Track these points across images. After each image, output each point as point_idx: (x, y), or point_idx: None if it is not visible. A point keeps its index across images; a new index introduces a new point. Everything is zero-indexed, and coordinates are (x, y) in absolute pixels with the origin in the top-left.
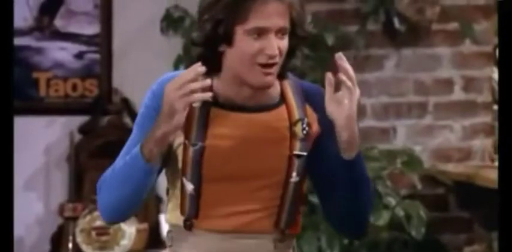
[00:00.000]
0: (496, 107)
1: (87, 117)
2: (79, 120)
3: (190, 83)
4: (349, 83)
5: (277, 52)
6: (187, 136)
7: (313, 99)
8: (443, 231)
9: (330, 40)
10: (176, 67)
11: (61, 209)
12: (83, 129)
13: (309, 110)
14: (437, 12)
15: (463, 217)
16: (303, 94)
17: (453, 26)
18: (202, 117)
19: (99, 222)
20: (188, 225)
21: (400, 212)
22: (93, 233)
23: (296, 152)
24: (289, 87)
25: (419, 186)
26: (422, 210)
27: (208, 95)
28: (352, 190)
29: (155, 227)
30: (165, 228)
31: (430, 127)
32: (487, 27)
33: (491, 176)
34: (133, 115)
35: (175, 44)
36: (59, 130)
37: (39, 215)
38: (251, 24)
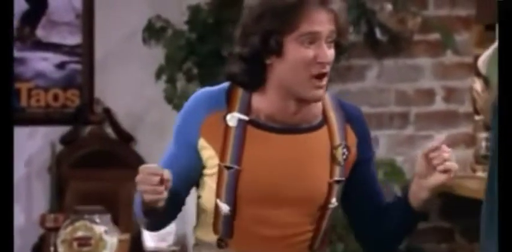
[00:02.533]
0: (477, 118)
1: (69, 128)
2: (60, 130)
3: (149, 179)
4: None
5: (330, 59)
6: (222, 158)
7: (355, 121)
8: (425, 241)
9: None
10: (158, 77)
11: (42, 220)
12: (64, 140)
13: (350, 131)
14: (418, 23)
15: (444, 227)
16: (344, 114)
17: (434, 36)
18: (238, 138)
19: (80, 233)
20: (222, 245)
21: None
22: (75, 244)
23: (336, 178)
24: (329, 104)
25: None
26: None
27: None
28: (393, 224)
29: (137, 238)
30: (147, 238)
31: (412, 137)
32: (468, 38)
33: (472, 186)
34: (115, 125)
35: (157, 54)
36: (41, 140)
37: (21, 225)
38: (304, 30)
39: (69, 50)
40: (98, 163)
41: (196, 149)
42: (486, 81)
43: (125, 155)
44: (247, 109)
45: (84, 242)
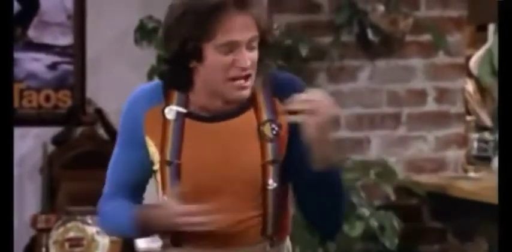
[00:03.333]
0: (468, 118)
1: (61, 128)
2: (52, 131)
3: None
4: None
5: (249, 64)
6: (162, 153)
7: (284, 94)
8: (417, 242)
9: (304, 51)
10: (150, 78)
11: (34, 221)
12: (56, 140)
13: (278, 104)
14: (410, 24)
15: (436, 228)
16: (273, 89)
17: (426, 37)
18: (177, 131)
19: (72, 234)
20: (176, 242)
21: (374, 223)
22: (67, 245)
23: (269, 158)
24: (259, 86)
25: (393, 197)
26: (396, 221)
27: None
28: (328, 195)
29: (129, 238)
30: (139, 239)
31: (404, 138)
32: (459, 39)
33: (464, 186)
34: (107, 126)
35: (149, 55)
36: (32, 141)
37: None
38: (221, 40)
39: (60, 51)
40: (90, 164)
41: (144, 145)
42: (478, 82)
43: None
44: (185, 102)
45: (76, 242)
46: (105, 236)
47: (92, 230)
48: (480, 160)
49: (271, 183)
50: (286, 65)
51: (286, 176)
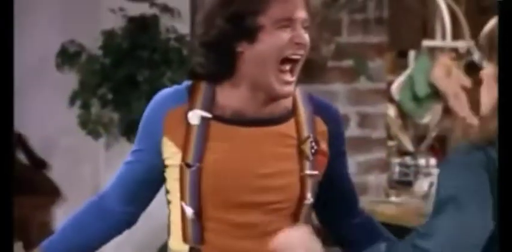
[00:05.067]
0: (390, 143)
1: None
2: None
3: None
4: None
5: (306, 40)
6: (184, 156)
7: (326, 113)
8: None
9: None
10: (72, 103)
11: None
12: None
13: (320, 123)
14: (332, 50)
15: None
16: (313, 106)
17: (348, 63)
18: (201, 135)
19: None
20: None
21: None
22: None
23: (308, 172)
24: (299, 97)
25: (316, 221)
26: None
27: None
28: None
29: None
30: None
31: None
32: (380, 65)
33: (386, 211)
34: (27, 151)
35: (71, 79)
36: None
37: None
38: (279, 14)
39: None
40: None
41: (159, 147)
42: (399, 107)
43: (39, 182)
44: (210, 105)
45: None
46: None
47: None
48: (402, 185)
49: (309, 198)
50: None
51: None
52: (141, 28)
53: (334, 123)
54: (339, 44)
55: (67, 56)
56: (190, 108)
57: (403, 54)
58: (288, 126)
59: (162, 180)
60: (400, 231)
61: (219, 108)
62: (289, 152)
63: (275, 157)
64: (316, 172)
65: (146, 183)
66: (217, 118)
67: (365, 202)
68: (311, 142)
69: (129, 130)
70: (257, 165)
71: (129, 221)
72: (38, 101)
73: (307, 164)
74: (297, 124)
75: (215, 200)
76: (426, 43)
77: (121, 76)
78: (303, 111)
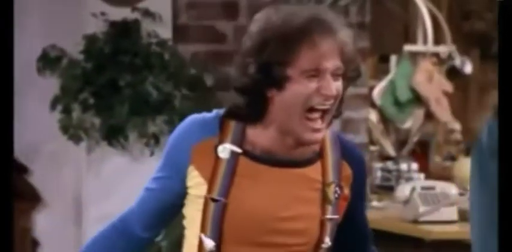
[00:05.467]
0: (372, 148)
1: None
2: None
3: None
4: None
5: (334, 92)
6: (210, 189)
7: (352, 158)
8: None
9: (209, 81)
10: (53, 107)
11: None
12: None
13: (345, 168)
14: None
15: None
16: (341, 149)
17: None
18: (229, 170)
19: None
20: None
21: None
22: None
23: (329, 216)
24: (328, 139)
25: None
26: None
27: None
28: None
29: None
30: None
31: None
32: (362, 70)
33: (368, 216)
34: None
35: (52, 84)
36: None
37: None
38: (308, 64)
39: None
40: None
41: (184, 175)
42: (381, 112)
43: (19, 187)
44: (241, 140)
45: None
46: None
47: None
48: (383, 189)
49: (327, 242)
50: (191, 94)
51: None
52: (123, 33)
53: (359, 167)
54: None
55: (48, 61)
56: (221, 141)
57: (384, 59)
58: (314, 170)
59: (182, 205)
60: (382, 236)
61: (249, 145)
62: (313, 195)
63: (298, 200)
64: (337, 216)
65: (169, 209)
66: (246, 154)
67: None
68: (335, 187)
69: (110, 135)
70: (280, 206)
71: (149, 244)
72: (19, 105)
73: (330, 208)
74: (323, 168)
75: (235, 236)
76: (408, 48)
77: (103, 81)
78: (330, 155)
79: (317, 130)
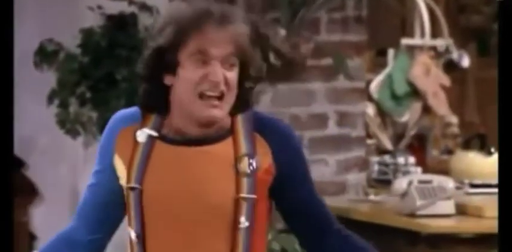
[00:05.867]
0: (369, 142)
1: None
2: None
3: None
4: None
5: (221, 79)
6: (128, 178)
7: (267, 130)
8: None
9: None
10: (50, 101)
11: None
12: None
13: (260, 141)
14: (311, 48)
15: None
16: (253, 123)
17: (327, 61)
18: (144, 155)
19: None
20: None
21: (276, 246)
22: None
23: (244, 195)
24: (240, 116)
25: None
26: (297, 245)
27: None
28: None
29: None
30: None
31: None
32: (359, 64)
33: (365, 210)
34: None
35: (49, 78)
36: None
37: None
38: (193, 48)
39: None
40: None
41: (113, 166)
42: (378, 105)
43: (16, 181)
44: (160, 124)
45: None
46: None
47: None
48: (380, 183)
49: (243, 222)
50: None
51: (277, 208)
52: (120, 26)
53: (278, 139)
54: (318, 42)
55: (45, 55)
56: (141, 127)
57: (382, 53)
58: (226, 145)
59: (125, 202)
60: (378, 229)
61: (166, 129)
62: (226, 171)
63: (211, 176)
64: (253, 196)
65: (109, 206)
66: (163, 138)
67: (344, 201)
68: (249, 159)
69: None
70: (193, 184)
71: (98, 249)
72: (16, 99)
73: (245, 183)
74: (235, 142)
75: (158, 222)
76: (405, 41)
77: (99, 75)
78: (241, 128)
79: (215, 106)
